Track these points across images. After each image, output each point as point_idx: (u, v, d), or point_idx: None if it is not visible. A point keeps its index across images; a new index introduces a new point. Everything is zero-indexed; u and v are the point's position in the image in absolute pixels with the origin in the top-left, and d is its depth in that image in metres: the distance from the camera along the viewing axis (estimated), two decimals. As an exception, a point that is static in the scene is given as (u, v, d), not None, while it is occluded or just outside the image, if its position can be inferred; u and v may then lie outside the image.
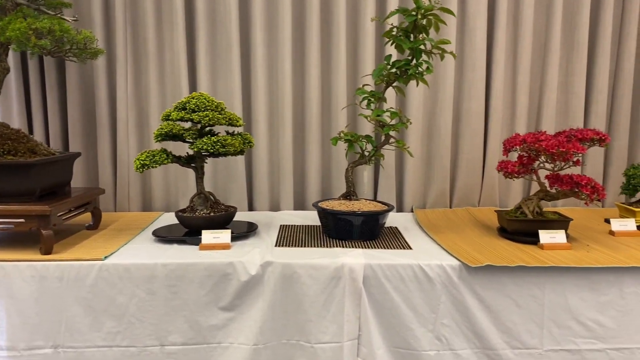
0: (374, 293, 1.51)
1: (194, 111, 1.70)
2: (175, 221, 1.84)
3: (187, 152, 1.84)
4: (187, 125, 1.83)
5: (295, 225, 2.00)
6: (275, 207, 2.33)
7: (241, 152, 1.80)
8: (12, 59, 2.14)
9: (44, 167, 1.67)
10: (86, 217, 1.94)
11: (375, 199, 2.27)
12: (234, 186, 2.28)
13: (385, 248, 1.68)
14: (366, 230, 1.75)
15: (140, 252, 1.62)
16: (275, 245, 1.70)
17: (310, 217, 2.10)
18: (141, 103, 2.23)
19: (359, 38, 2.24)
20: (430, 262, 1.53)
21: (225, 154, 1.70)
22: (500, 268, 1.50)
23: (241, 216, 2.08)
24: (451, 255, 1.59)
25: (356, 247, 1.67)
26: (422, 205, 2.36)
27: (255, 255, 1.58)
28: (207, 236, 1.67)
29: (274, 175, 2.31)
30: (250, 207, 2.34)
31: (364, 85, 1.86)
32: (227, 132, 1.80)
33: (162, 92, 2.22)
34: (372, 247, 1.68)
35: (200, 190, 1.80)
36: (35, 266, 1.50)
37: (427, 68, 1.75)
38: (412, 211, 2.29)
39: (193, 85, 2.24)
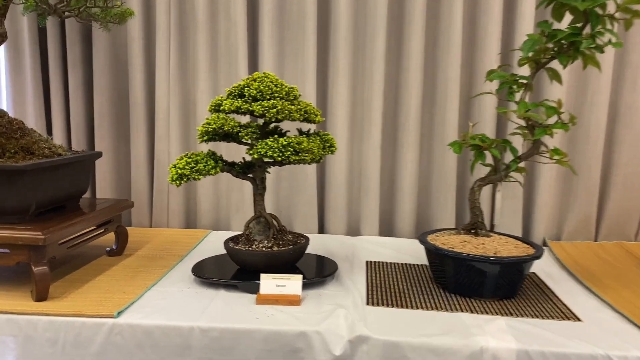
0: (534, 398, 0.94)
1: (255, 99, 1.15)
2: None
3: (244, 158, 1.31)
4: (246, 119, 1.30)
5: (386, 262, 1.44)
6: (354, 230, 1.76)
7: (318, 160, 1.25)
8: (26, 28, 1.69)
9: (43, 173, 1.18)
10: (110, 237, 1.46)
11: (491, 227, 1.66)
12: (300, 199, 1.74)
13: (538, 317, 1.09)
14: (504, 284, 1.16)
15: (171, 304, 1.13)
16: (367, 303, 1.14)
17: (403, 248, 1.56)
18: (187, 87, 1.74)
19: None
20: (627, 353, 0.94)
21: (298, 162, 1.15)
22: None
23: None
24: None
25: (491, 313, 1.10)
26: (556, 235, 1.73)
27: (340, 321, 1.04)
28: (268, 283, 1.15)
29: (354, 187, 1.74)
30: (321, 229, 1.78)
31: (500, 67, 1.27)
32: (300, 131, 1.25)
33: (214, 73, 1.72)
34: (517, 314, 1.10)
35: (260, 212, 1.27)
36: (17, 321, 1.08)
37: (610, 41, 1.14)
38: (544, 244, 1.67)
39: (254, 64, 1.73)
